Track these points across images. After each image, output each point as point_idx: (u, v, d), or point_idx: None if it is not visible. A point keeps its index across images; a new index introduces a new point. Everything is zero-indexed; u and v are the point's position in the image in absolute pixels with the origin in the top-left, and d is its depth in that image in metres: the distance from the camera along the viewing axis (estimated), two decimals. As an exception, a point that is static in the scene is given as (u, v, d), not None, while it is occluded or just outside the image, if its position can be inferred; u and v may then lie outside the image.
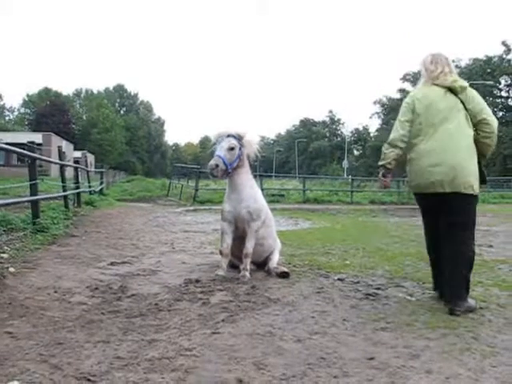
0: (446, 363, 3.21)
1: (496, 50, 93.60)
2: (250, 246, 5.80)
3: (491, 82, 64.99)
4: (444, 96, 4.71)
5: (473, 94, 4.71)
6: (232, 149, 5.72)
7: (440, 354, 3.37)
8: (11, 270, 5.47)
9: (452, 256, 4.53)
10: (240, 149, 5.80)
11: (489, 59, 72.59)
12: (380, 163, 4.89)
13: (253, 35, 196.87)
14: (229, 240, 5.84)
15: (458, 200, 4.53)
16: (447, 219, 4.61)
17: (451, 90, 4.72)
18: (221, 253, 5.93)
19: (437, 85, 4.78)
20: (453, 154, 4.55)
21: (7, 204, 8.65)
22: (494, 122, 4.73)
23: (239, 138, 5.82)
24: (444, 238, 4.63)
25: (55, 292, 4.83)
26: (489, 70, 71.34)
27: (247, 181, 5.96)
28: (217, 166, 5.59)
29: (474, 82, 62.55)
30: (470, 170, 4.55)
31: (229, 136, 5.78)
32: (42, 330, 3.70)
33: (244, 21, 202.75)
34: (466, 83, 4.77)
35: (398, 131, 4.81)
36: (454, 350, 3.46)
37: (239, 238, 5.87)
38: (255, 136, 6.20)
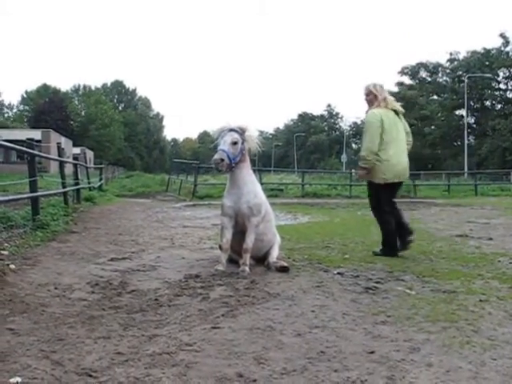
0: (447, 356, 3.21)
1: (494, 43, 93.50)
2: (249, 241, 5.80)
3: (489, 75, 64.85)
4: (394, 116, 7.07)
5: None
6: (235, 143, 5.73)
7: (440, 348, 3.37)
8: (12, 266, 5.47)
9: (398, 215, 7.12)
10: (242, 143, 5.81)
11: (487, 52, 72.33)
12: (364, 166, 6.99)
13: (251, 30, 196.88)
14: (229, 235, 5.85)
15: (401, 185, 7.44)
16: (395, 196, 7.27)
17: (396, 111, 7.10)
18: (220, 248, 5.94)
19: (386, 107, 7.00)
20: (404, 157, 7.10)
21: (7, 201, 8.66)
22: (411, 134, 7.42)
23: (241, 132, 5.82)
24: (394, 208, 7.14)
25: (56, 288, 4.84)
26: (487, 63, 71.08)
27: (248, 176, 5.97)
28: (222, 160, 5.60)
29: (473, 75, 62.74)
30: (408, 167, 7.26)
31: (231, 130, 5.79)
32: (43, 327, 3.70)
33: (242, 16, 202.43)
34: None
35: (374, 142, 6.86)
36: (454, 343, 3.47)
37: (239, 233, 5.87)
38: (255, 130, 6.21)
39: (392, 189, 7.11)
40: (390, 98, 7.12)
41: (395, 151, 6.92)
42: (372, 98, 7.07)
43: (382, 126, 6.83)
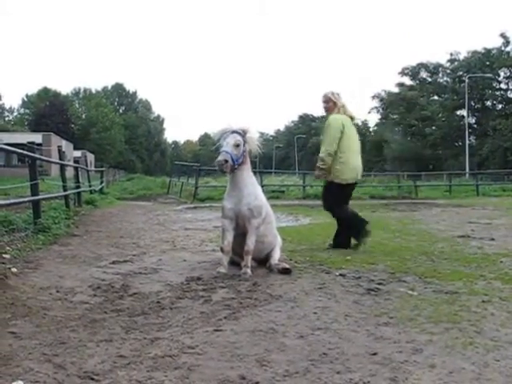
0: (450, 357, 3.21)
1: (495, 43, 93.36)
2: (250, 242, 5.80)
3: (490, 75, 64.85)
4: (351, 121, 7.79)
5: None
6: (237, 145, 5.76)
7: (443, 349, 3.37)
8: (13, 270, 5.47)
9: (352, 211, 7.93)
10: (244, 145, 5.82)
11: (487, 52, 72.28)
12: (323, 167, 7.63)
13: (251, 32, 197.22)
14: (230, 237, 5.85)
15: (356, 185, 8.16)
16: (351, 195, 8.09)
17: (351, 117, 7.81)
18: (222, 250, 5.93)
19: (344, 113, 7.67)
20: (359, 159, 7.86)
21: (8, 204, 8.66)
22: None
23: (243, 133, 5.84)
24: (348, 205, 7.92)
25: (57, 292, 4.84)
26: (488, 63, 71.04)
27: (248, 178, 5.98)
28: (226, 161, 5.63)
29: (473, 75, 62.75)
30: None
31: (233, 132, 5.81)
32: (45, 330, 3.70)
33: (242, 18, 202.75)
34: None
35: (333, 145, 7.49)
36: (457, 344, 3.46)
37: (240, 235, 5.87)
38: (256, 132, 6.22)
39: (350, 189, 7.92)
40: (347, 106, 7.81)
41: (353, 154, 7.68)
42: (331, 105, 7.69)
43: (343, 130, 7.50)
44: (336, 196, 7.65)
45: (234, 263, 6.00)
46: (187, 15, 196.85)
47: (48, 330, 3.70)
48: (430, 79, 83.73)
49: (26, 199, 9.12)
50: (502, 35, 69.69)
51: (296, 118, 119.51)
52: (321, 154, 7.69)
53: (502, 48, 70.88)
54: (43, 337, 3.55)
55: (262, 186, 21.73)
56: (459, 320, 4.00)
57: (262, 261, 6.15)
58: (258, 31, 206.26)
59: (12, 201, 8.82)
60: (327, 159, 7.55)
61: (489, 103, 76.22)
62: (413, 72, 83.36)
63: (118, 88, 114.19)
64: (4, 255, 6.18)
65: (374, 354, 3.27)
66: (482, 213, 15.40)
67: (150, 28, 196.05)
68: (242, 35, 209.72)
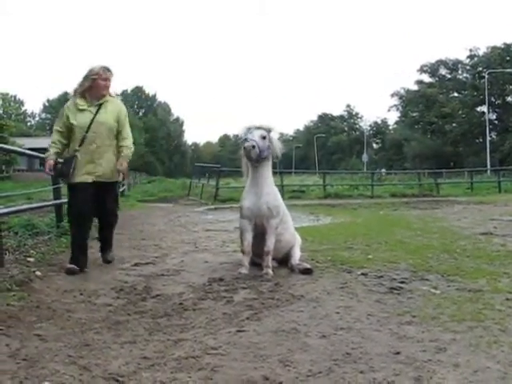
0: (474, 356, 3.18)
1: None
2: (270, 243, 5.81)
3: (511, 70, 64.04)
4: None
5: None
6: (264, 138, 5.80)
7: (467, 347, 3.34)
8: (38, 273, 5.55)
9: None
10: (269, 141, 5.85)
11: (507, 46, 71.45)
12: None
13: (270, 32, 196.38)
14: (249, 237, 5.86)
15: None
16: None
17: None
18: (242, 251, 5.95)
19: None
20: None
21: (32, 208, 8.78)
22: None
23: (268, 131, 5.88)
24: None
25: (81, 294, 4.89)
26: (508, 58, 70.27)
27: (269, 177, 5.99)
28: (253, 147, 5.65)
29: (493, 71, 62.03)
30: None
31: (259, 128, 5.84)
32: (69, 332, 3.75)
33: (262, 19, 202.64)
34: None
35: None
36: (481, 342, 3.43)
37: (258, 235, 5.88)
38: (277, 135, 6.24)
39: None
40: None
41: None
42: None
43: None
44: None
45: (255, 264, 6.01)
46: (208, 17, 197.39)
47: (73, 333, 3.74)
48: (449, 76, 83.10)
49: (48, 203, 9.22)
50: (523, 29, 68.84)
51: (315, 118, 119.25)
52: None
53: (523, 42, 70.02)
54: (68, 339, 3.59)
55: (283, 187, 21.75)
56: (483, 318, 3.97)
57: (282, 260, 6.16)
58: (277, 32, 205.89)
59: (35, 205, 8.94)
60: None
61: (510, 99, 75.31)
62: (432, 69, 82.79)
63: (138, 91, 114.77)
64: (28, 259, 6.27)
65: (398, 353, 3.25)
66: (504, 210, 15.20)
67: (169, 31, 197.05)
68: (261, 36, 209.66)
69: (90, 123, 5.86)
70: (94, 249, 7.64)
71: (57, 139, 5.97)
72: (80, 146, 5.85)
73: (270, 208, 5.82)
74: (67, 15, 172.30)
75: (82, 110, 5.94)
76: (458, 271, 5.74)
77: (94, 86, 5.94)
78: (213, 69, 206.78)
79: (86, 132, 5.84)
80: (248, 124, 5.99)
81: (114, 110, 6.06)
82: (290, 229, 6.29)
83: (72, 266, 5.74)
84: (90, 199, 5.88)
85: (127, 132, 6.13)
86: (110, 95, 6.14)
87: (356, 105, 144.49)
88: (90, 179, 5.87)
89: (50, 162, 5.92)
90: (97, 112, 5.93)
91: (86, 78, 5.95)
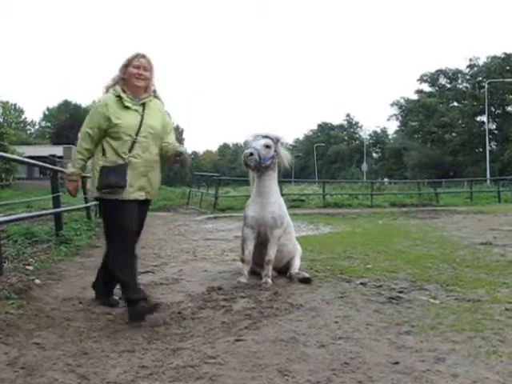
0: (473, 367, 3.18)
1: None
2: (272, 253, 5.81)
3: (511, 80, 64.18)
4: None
5: None
6: (267, 147, 5.77)
7: (466, 358, 3.34)
8: (37, 281, 5.55)
9: None
10: (275, 151, 5.83)
11: (507, 56, 71.52)
12: None
13: (270, 42, 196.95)
14: (251, 246, 5.85)
15: None
16: None
17: None
18: (242, 260, 5.94)
19: None
20: None
21: (31, 217, 8.78)
22: None
23: (275, 141, 5.86)
24: None
25: (80, 303, 4.89)
26: (508, 68, 70.40)
27: (275, 186, 5.99)
28: (251, 154, 5.63)
29: (493, 81, 62.15)
30: None
31: (266, 137, 5.83)
32: (68, 341, 3.74)
33: (263, 28, 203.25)
34: None
35: None
36: (480, 353, 3.43)
37: (260, 245, 5.88)
38: (285, 147, 6.22)
39: None
40: None
41: None
42: None
43: None
44: None
45: (254, 273, 6.01)
46: (207, 26, 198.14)
47: (71, 341, 3.74)
48: (449, 85, 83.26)
49: (48, 212, 9.23)
50: (522, 40, 69.07)
51: (315, 127, 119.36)
52: None
53: (523, 52, 70.20)
54: (67, 347, 3.59)
55: (283, 196, 21.71)
56: (482, 328, 3.96)
57: (282, 270, 6.15)
58: (278, 41, 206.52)
59: (35, 213, 8.93)
60: None
61: (510, 108, 75.36)
62: (432, 78, 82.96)
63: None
64: (27, 267, 6.26)
65: (396, 363, 3.25)
66: (504, 219, 15.21)
67: (167, 38, 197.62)
68: (262, 45, 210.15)
69: (140, 125, 4.48)
70: (94, 257, 7.65)
71: (85, 147, 4.52)
72: (130, 151, 4.44)
73: (275, 218, 5.82)
74: (67, 24, 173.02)
75: (127, 108, 4.49)
76: (457, 281, 5.74)
77: (126, 78, 4.58)
78: (213, 78, 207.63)
79: (136, 135, 4.45)
80: (255, 131, 5.98)
81: (158, 110, 4.74)
82: (292, 239, 6.29)
83: (137, 295, 4.35)
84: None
85: (172, 138, 4.83)
86: (151, 93, 4.72)
87: (356, 114, 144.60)
88: (143, 196, 4.57)
89: (78, 184, 4.83)
90: (143, 111, 4.56)
91: (119, 69, 4.65)
